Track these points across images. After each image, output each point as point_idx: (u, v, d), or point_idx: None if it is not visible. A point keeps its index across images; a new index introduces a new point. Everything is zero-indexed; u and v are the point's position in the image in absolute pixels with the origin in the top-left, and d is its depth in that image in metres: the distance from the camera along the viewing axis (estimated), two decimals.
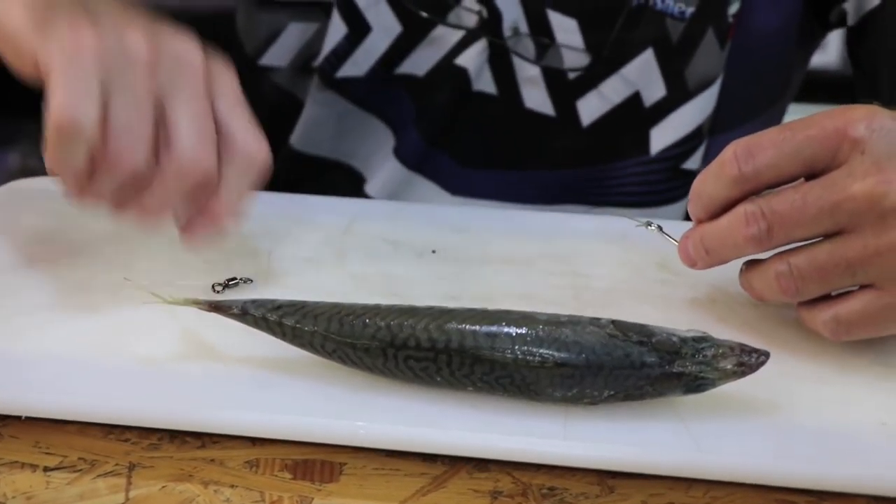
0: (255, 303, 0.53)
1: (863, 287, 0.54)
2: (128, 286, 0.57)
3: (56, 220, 0.70)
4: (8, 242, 0.67)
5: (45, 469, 0.50)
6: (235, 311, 0.53)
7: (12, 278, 0.63)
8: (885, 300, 0.53)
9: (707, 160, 0.81)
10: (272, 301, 0.53)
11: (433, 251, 0.68)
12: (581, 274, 0.65)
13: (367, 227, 0.71)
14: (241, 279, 0.63)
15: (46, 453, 0.51)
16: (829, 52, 1.95)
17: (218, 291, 0.61)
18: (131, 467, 0.50)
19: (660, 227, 0.64)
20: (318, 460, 0.50)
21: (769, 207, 0.54)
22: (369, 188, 0.85)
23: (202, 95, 0.55)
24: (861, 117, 0.53)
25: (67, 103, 0.51)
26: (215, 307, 0.54)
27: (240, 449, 0.51)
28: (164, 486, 0.49)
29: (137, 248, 0.66)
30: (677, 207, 0.84)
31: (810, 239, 0.54)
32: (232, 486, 0.49)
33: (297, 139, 0.85)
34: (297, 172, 0.85)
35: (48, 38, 0.54)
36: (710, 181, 0.56)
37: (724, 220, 0.56)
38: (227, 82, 0.57)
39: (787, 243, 0.55)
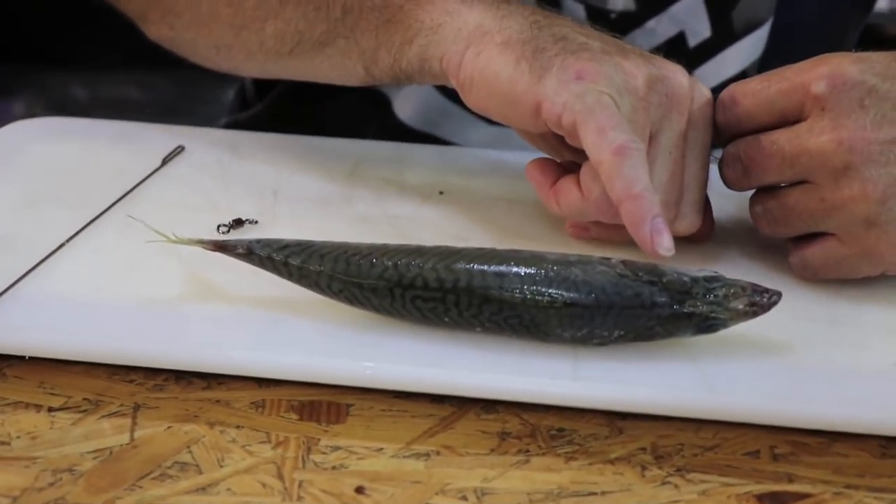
0: (261, 242, 0.53)
1: (829, 234, 0.55)
2: (132, 226, 0.56)
3: (60, 159, 0.69)
4: (11, 181, 0.66)
5: (50, 409, 0.49)
6: (241, 250, 0.53)
7: (16, 217, 0.62)
8: (843, 251, 0.55)
9: None
10: (278, 241, 0.53)
11: (440, 192, 0.67)
12: None
13: (372, 170, 0.70)
14: (246, 220, 0.62)
15: (51, 394, 0.50)
16: None
17: (223, 232, 0.61)
18: (136, 408, 0.49)
19: None
20: (324, 401, 0.50)
21: (745, 151, 0.56)
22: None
23: (681, 135, 0.56)
24: (825, 74, 0.54)
25: (625, 138, 0.51)
26: (220, 246, 0.53)
27: (246, 390, 0.51)
28: (169, 427, 0.48)
29: (142, 188, 0.66)
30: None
31: (782, 183, 0.56)
32: (238, 427, 0.48)
33: None
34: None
35: (553, 86, 0.54)
36: (716, 125, 0.59)
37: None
38: (706, 114, 0.58)
39: (764, 185, 0.57)
